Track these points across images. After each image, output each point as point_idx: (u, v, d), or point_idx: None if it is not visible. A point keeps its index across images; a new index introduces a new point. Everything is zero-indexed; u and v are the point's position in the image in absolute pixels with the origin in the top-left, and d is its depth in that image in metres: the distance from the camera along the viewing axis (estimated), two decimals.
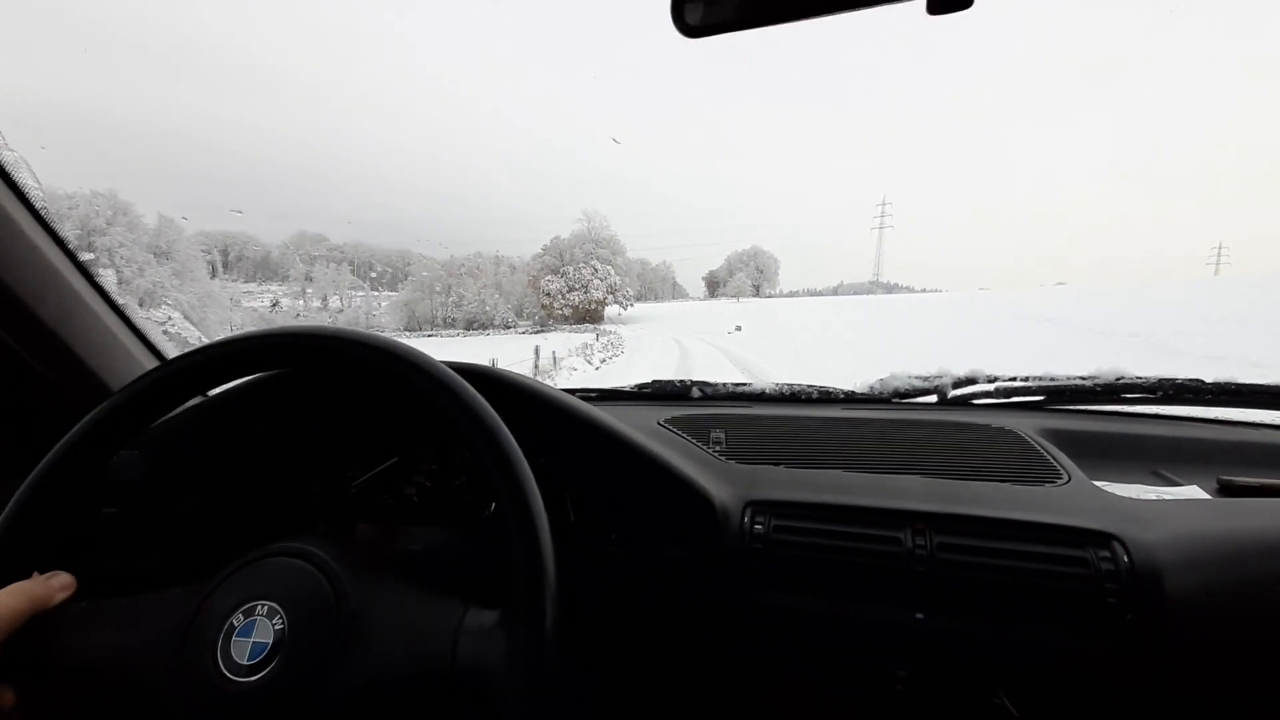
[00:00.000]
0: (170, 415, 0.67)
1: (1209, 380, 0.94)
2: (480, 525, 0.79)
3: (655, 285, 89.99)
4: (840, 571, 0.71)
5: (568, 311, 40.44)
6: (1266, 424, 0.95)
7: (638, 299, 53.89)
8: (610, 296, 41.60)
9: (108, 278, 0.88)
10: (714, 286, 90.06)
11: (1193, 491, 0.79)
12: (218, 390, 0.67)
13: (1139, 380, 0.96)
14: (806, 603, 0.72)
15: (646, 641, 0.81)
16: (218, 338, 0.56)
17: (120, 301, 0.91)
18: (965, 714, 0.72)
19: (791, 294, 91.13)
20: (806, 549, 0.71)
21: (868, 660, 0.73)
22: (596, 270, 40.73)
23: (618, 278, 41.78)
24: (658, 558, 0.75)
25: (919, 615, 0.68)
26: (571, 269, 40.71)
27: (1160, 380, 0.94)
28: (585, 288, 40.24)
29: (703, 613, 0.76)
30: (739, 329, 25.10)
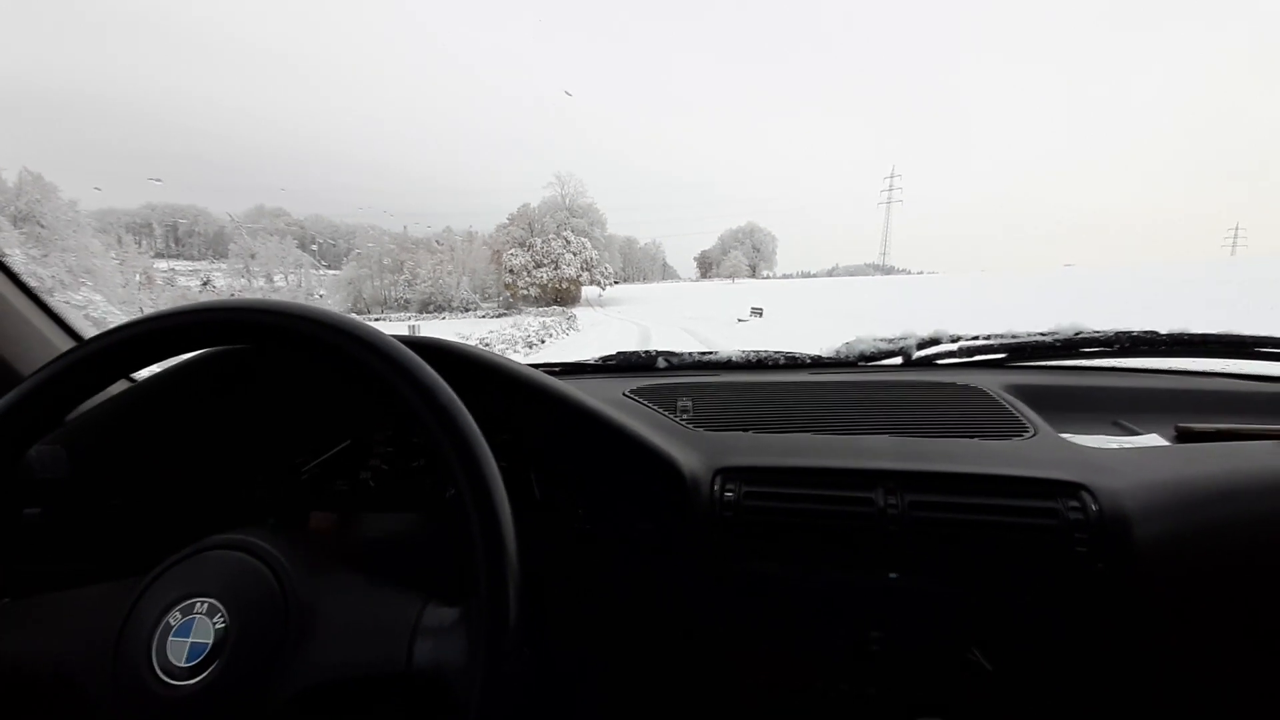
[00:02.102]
0: (95, 404, 0.62)
1: (1164, 332, 0.96)
2: (441, 509, 0.77)
3: (643, 265, 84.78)
4: (813, 535, 0.70)
5: (534, 291, 35.15)
6: (1219, 373, 0.97)
7: (622, 279, 48.59)
8: (586, 274, 36.30)
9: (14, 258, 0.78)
10: (706, 267, 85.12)
11: (1152, 440, 0.80)
12: (147, 373, 0.62)
13: (1097, 334, 0.98)
14: (780, 569, 0.71)
15: (618, 618, 0.79)
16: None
17: (32, 284, 0.85)
18: (940, 671, 0.72)
19: (786, 276, 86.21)
20: (778, 514, 0.71)
21: (843, 623, 0.73)
22: (569, 243, 35.43)
23: (595, 252, 36.46)
24: (627, 532, 0.74)
25: (892, 575, 0.68)
26: (540, 241, 35.42)
27: (1117, 333, 0.97)
28: (555, 263, 34.95)
29: (675, 585, 0.75)
30: (758, 313, 16.77)
